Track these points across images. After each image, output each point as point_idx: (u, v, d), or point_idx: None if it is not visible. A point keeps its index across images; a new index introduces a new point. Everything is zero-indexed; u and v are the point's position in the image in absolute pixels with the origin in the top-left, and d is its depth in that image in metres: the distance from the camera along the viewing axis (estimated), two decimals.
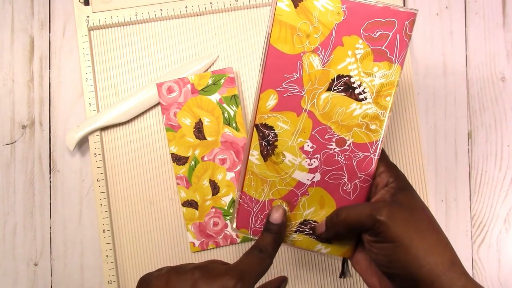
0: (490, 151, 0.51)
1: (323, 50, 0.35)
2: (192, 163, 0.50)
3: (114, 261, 0.50)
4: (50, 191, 0.53)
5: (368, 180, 0.36)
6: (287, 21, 0.35)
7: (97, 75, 0.52)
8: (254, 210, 0.38)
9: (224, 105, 0.49)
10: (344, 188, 0.37)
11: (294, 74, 0.36)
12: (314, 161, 0.37)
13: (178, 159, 0.50)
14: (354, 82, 0.35)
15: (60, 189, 0.53)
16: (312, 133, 0.36)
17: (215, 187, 0.50)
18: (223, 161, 0.50)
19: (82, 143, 0.52)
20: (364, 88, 0.35)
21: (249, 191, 0.38)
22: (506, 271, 0.50)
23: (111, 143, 0.52)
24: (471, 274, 0.50)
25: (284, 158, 0.37)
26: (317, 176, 0.37)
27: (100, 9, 0.52)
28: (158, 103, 0.51)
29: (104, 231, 0.51)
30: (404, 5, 0.52)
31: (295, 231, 0.38)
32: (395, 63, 0.35)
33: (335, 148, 0.36)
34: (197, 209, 0.50)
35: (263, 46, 0.36)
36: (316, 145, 0.37)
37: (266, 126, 0.37)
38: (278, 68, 0.36)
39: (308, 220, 0.38)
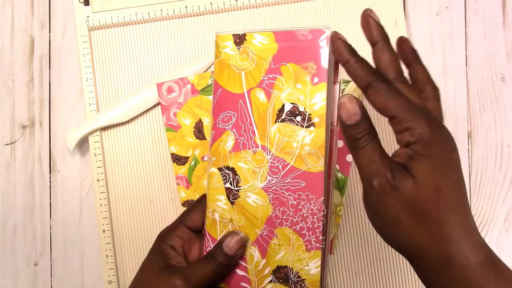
0: (490, 151, 0.51)
1: (265, 83, 0.36)
2: (192, 163, 0.50)
3: (114, 261, 0.50)
4: (50, 191, 0.53)
5: (321, 218, 0.35)
6: (233, 64, 0.37)
7: (97, 75, 0.52)
8: None
9: None
10: (306, 225, 0.36)
11: (245, 112, 0.36)
12: (276, 198, 0.36)
13: (178, 159, 0.50)
14: (298, 109, 0.35)
15: (60, 189, 0.53)
16: (270, 169, 0.36)
17: None
18: None
19: (82, 143, 0.52)
20: (309, 114, 0.35)
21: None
22: None
23: (111, 143, 0.52)
24: None
25: (248, 199, 0.37)
26: (281, 214, 0.36)
27: (100, 9, 0.52)
28: (158, 103, 0.51)
29: (104, 231, 0.51)
30: (404, 6, 0.52)
31: (270, 281, 0.36)
32: (330, 82, 0.35)
33: (291, 181, 0.36)
34: None
35: (213, 90, 0.38)
36: (275, 181, 0.36)
37: (229, 168, 0.37)
38: (230, 108, 0.37)
39: (280, 265, 0.36)
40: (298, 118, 0.35)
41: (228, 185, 0.37)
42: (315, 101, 0.35)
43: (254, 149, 0.36)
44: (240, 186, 0.37)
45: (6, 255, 0.52)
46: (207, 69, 0.52)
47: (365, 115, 0.30)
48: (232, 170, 0.37)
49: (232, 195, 0.37)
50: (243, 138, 0.37)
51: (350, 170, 0.50)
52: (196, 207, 0.39)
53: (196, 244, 0.40)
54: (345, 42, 0.31)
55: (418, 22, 0.53)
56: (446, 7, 0.53)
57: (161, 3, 0.52)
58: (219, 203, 0.38)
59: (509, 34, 0.52)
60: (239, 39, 0.37)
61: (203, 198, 0.39)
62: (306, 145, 0.35)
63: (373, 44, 0.33)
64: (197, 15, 0.53)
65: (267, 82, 0.36)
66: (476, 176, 0.51)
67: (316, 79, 0.35)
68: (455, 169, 0.30)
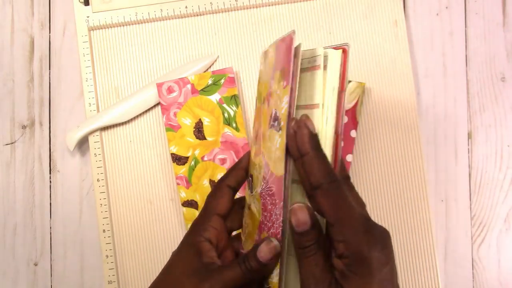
0: (490, 151, 0.51)
1: (268, 92, 0.36)
2: (192, 163, 0.50)
3: (114, 261, 0.50)
4: (50, 191, 0.53)
5: (280, 224, 0.34)
6: (261, 78, 0.38)
7: (97, 75, 0.53)
8: None
9: (224, 105, 0.50)
10: (274, 230, 0.34)
11: (260, 121, 0.37)
12: (263, 203, 0.35)
13: (178, 159, 0.50)
14: (277, 114, 0.34)
15: (60, 189, 0.53)
16: (263, 174, 0.35)
17: None
18: (223, 161, 0.50)
19: (82, 143, 0.52)
20: (280, 118, 0.33)
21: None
22: (506, 271, 0.50)
23: (111, 143, 0.52)
24: (471, 274, 0.50)
25: (253, 205, 0.37)
26: (264, 219, 0.35)
27: (100, 9, 0.52)
28: (158, 103, 0.51)
29: (104, 231, 0.51)
30: (404, 6, 0.52)
31: None
32: (295, 84, 0.33)
33: (269, 186, 0.35)
34: (197, 209, 0.50)
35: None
36: (264, 186, 0.35)
37: (251, 175, 0.38)
38: (257, 120, 0.38)
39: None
40: (276, 123, 0.34)
41: (249, 191, 0.38)
42: (283, 105, 0.33)
43: (261, 155, 0.37)
44: (253, 193, 0.37)
45: (6, 255, 0.52)
46: (207, 69, 0.52)
47: (314, 225, 0.30)
48: (251, 176, 0.38)
49: (249, 200, 0.38)
50: (258, 146, 0.37)
51: (350, 171, 0.50)
52: (220, 190, 0.38)
53: (224, 233, 0.38)
54: (310, 132, 0.30)
55: (418, 22, 0.53)
56: (446, 7, 0.53)
57: (161, 3, 0.52)
58: (245, 209, 0.39)
59: (509, 34, 0.52)
60: (265, 55, 0.38)
61: (220, 182, 0.38)
62: (277, 149, 0.33)
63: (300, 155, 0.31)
64: (197, 15, 0.53)
65: (268, 92, 0.36)
66: (476, 176, 0.51)
67: (284, 83, 0.33)
68: (386, 283, 0.29)
